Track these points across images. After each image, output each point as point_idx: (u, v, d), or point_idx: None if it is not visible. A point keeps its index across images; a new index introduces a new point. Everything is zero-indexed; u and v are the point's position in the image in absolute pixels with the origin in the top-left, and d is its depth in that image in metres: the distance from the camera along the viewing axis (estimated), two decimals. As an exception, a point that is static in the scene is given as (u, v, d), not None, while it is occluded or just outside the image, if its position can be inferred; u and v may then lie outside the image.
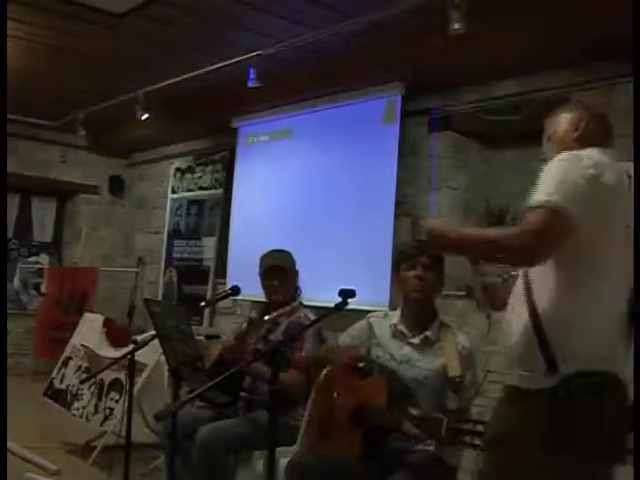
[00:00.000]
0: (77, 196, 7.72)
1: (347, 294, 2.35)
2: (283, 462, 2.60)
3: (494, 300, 2.04)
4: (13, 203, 7.43)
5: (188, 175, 6.94)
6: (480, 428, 2.06)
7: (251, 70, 4.38)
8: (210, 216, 6.59)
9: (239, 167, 6.09)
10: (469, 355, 2.60)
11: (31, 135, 7.01)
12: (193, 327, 3.16)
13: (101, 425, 4.35)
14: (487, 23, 3.50)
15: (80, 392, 4.71)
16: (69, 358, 5.08)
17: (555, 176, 1.71)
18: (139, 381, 4.03)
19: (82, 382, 4.56)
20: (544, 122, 2.06)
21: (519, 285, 1.84)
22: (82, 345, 5.02)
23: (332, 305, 2.37)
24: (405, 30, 3.83)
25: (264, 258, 3.38)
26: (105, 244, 7.83)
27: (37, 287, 7.52)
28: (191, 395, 2.58)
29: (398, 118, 4.74)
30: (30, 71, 5.11)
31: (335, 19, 3.84)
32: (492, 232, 1.80)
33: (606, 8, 3.15)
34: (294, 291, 3.37)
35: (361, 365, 2.59)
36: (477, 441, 2.07)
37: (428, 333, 2.64)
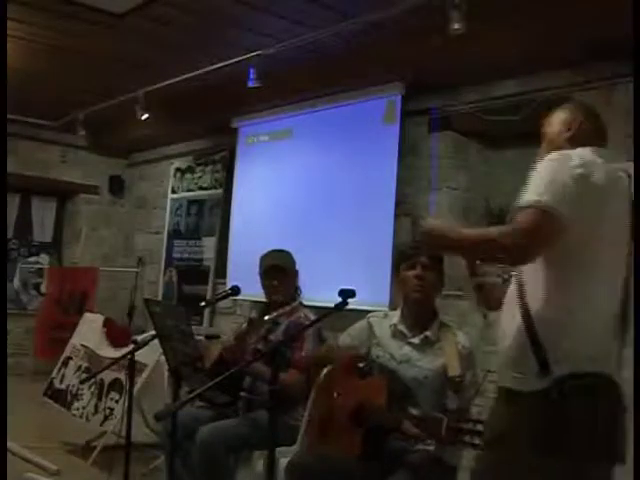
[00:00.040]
0: (77, 196, 7.72)
1: (347, 294, 2.35)
2: (283, 462, 2.60)
3: (489, 300, 2.04)
4: (13, 203, 7.43)
5: (188, 175, 6.94)
6: (480, 428, 2.06)
7: (251, 70, 4.38)
8: (210, 216, 6.59)
9: (239, 167, 6.09)
10: (469, 355, 2.60)
11: (31, 135, 7.01)
12: (193, 327, 3.16)
13: (101, 425, 4.35)
14: (487, 23, 3.50)
15: (80, 392, 4.71)
16: (69, 358, 5.08)
17: (544, 176, 1.72)
18: (139, 381, 4.03)
19: (82, 382, 4.56)
20: (543, 122, 2.07)
21: (512, 286, 1.84)
22: (82, 345, 5.02)
23: (332, 305, 2.37)
24: (405, 30, 3.83)
25: (264, 258, 3.38)
26: (105, 244, 7.83)
27: (37, 287, 7.52)
28: (191, 395, 2.58)
29: (398, 118, 4.74)
30: (30, 71, 5.10)
31: (335, 19, 3.84)
32: (487, 231, 1.81)
33: (606, 8, 3.15)
34: (294, 291, 3.37)
35: (361, 365, 2.60)
36: (477, 441, 2.07)
37: (428, 333, 2.64)
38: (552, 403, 1.67)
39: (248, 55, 4.37)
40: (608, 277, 1.76)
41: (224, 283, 5.92)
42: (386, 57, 4.30)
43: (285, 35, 4.12)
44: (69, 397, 4.80)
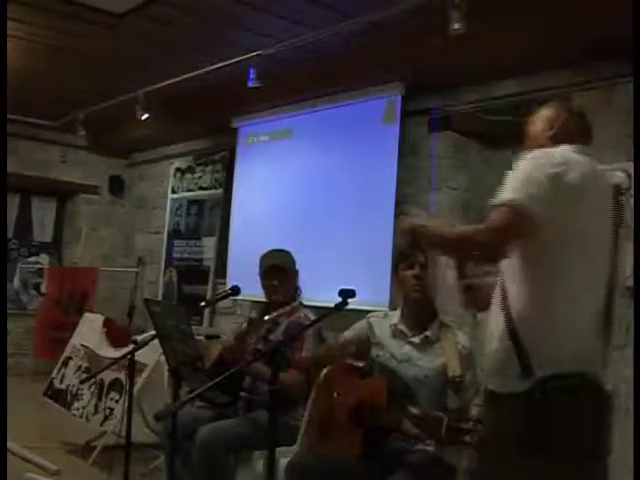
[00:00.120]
0: (77, 196, 7.72)
1: (347, 294, 2.35)
2: (283, 462, 2.60)
3: (477, 301, 2.04)
4: (13, 203, 7.43)
5: (188, 175, 6.94)
6: (480, 428, 2.06)
7: (251, 70, 4.38)
8: (210, 216, 6.59)
9: (239, 167, 6.09)
10: (469, 355, 2.60)
11: (31, 135, 7.01)
12: (193, 327, 3.16)
13: (101, 425, 4.35)
14: (487, 23, 3.49)
15: (80, 392, 4.71)
16: (69, 358, 5.08)
17: (520, 175, 1.73)
18: (139, 381, 4.03)
19: (82, 382, 4.56)
20: (527, 121, 2.07)
21: (497, 288, 1.84)
22: (82, 345, 5.02)
23: (332, 305, 2.37)
24: (405, 30, 3.83)
25: (264, 258, 3.38)
26: (105, 244, 7.83)
27: (37, 287, 7.52)
28: (191, 395, 2.58)
29: (398, 118, 4.74)
30: (30, 71, 5.10)
31: (335, 19, 3.84)
32: (464, 229, 1.82)
33: (606, 8, 3.15)
34: (294, 291, 3.37)
35: (361, 365, 2.60)
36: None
37: (428, 333, 2.64)
38: (535, 404, 1.67)
39: (248, 55, 4.36)
40: (589, 276, 1.75)
41: (224, 283, 5.92)
42: (386, 57, 4.30)
43: (285, 35, 4.12)
44: (69, 397, 4.80)
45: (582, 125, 1.97)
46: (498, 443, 1.73)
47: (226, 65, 4.58)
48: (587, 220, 1.73)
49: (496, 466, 1.72)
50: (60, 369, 5.09)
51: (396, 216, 4.64)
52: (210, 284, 6.41)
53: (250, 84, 4.39)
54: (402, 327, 2.69)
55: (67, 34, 4.35)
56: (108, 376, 4.40)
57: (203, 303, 5.00)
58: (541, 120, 1.99)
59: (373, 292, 4.36)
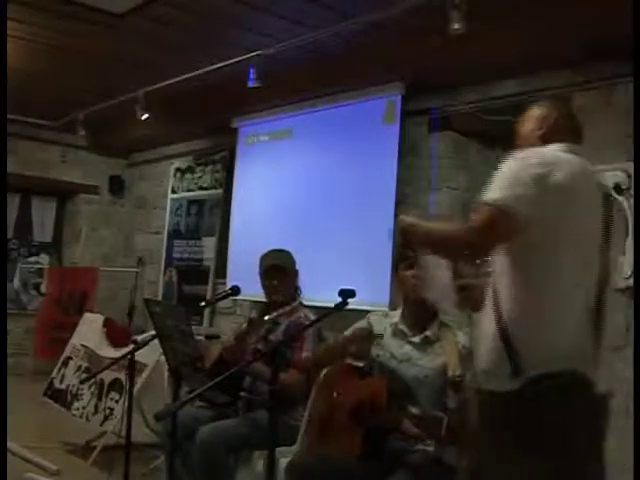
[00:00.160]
0: (77, 196, 7.71)
1: (347, 294, 2.35)
2: (283, 462, 2.60)
3: (471, 301, 2.04)
4: (13, 203, 7.42)
5: (188, 175, 6.94)
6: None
7: (251, 70, 4.37)
8: (210, 216, 6.59)
9: (239, 167, 6.09)
10: (469, 354, 2.60)
11: (31, 135, 7.01)
12: (193, 327, 3.16)
13: (101, 425, 4.35)
14: (487, 23, 3.49)
15: (80, 392, 4.71)
16: (69, 358, 5.08)
17: (506, 175, 1.72)
18: (139, 381, 4.03)
19: (82, 382, 4.56)
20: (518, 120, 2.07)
21: (489, 289, 1.84)
22: (82, 345, 5.02)
23: (332, 305, 2.37)
24: (405, 30, 3.83)
25: (264, 258, 3.38)
26: (105, 244, 7.83)
27: (37, 287, 7.52)
28: (191, 395, 2.58)
29: (398, 118, 4.74)
30: (30, 71, 5.10)
31: (335, 19, 3.83)
32: (447, 228, 1.83)
33: (606, 8, 3.14)
34: (294, 291, 3.37)
35: (361, 365, 2.60)
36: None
37: (428, 332, 2.64)
38: (525, 403, 1.68)
39: (248, 55, 4.36)
40: (579, 275, 1.75)
41: (224, 283, 5.92)
42: (386, 57, 4.30)
43: (285, 35, 4.12)
44: (69, 397, 4.80)
45: (572, 124, 1.98)
46: (490, 442, 1.73)
47: (226, 65, 4.58)
48: (576, 219, 1.73)
49: (487, 464, 1.73)
50: (60, 369, 5.10)
51: (396, 216, 4.65)
52: (210, 284, 6.40)
53: (250, 84, 4.39)
54: (402, 327, 2.69)
55: (67, 34, 4.35)
56: (108, 376, 4.40)
57: (203, 303, 5.00)
58: (531, 120, 2.00)
59: (373, 292, 4.36)
